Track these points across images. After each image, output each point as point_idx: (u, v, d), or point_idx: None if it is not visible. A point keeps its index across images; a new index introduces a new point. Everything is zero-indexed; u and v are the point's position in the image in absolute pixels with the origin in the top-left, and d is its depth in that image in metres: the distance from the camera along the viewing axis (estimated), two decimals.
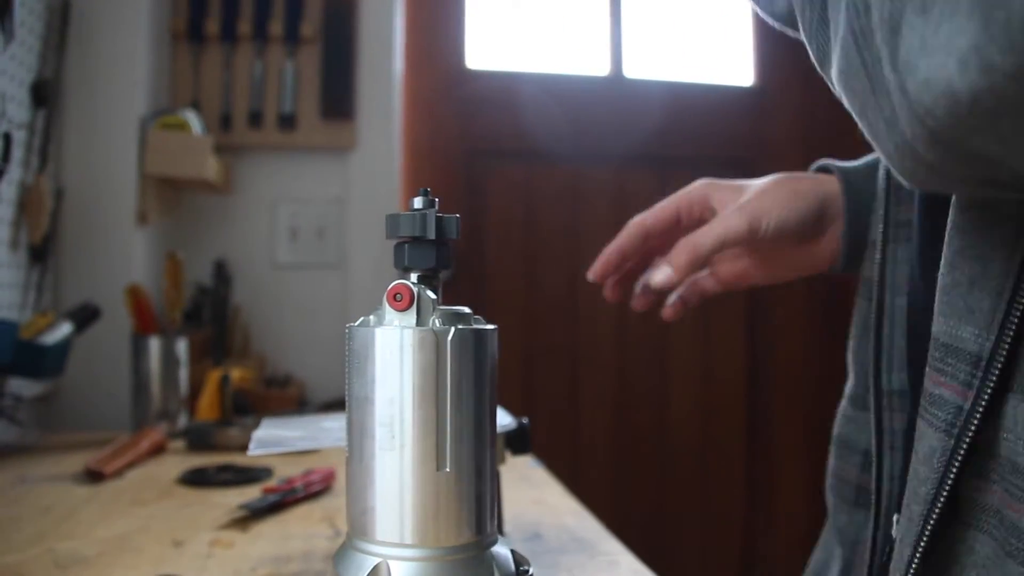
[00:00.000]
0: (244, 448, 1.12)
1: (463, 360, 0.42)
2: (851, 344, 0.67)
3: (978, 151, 0.28)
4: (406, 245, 0.44)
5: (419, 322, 0.42)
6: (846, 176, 0.68)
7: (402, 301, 0.42)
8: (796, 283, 0.75)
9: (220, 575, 0.64)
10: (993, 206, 0.36)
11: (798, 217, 0.65)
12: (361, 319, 0.44)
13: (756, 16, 2.09)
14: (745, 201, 0.66)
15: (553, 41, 2.02)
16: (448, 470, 0.41)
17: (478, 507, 0.43)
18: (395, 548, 0.41)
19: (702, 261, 0.65)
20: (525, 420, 0.65)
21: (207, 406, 1.31)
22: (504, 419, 0.63)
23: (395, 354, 0.41)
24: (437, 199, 0.45)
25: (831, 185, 0.68)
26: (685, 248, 0.65)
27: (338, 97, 1.67)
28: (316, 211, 1.69)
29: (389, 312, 0.42)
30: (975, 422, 0.36)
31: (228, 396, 1.21)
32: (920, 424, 0.40)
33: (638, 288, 0.75)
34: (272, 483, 0.90)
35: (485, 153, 1.92)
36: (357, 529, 0.43)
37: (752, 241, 0.65)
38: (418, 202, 0.45)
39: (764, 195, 0.66)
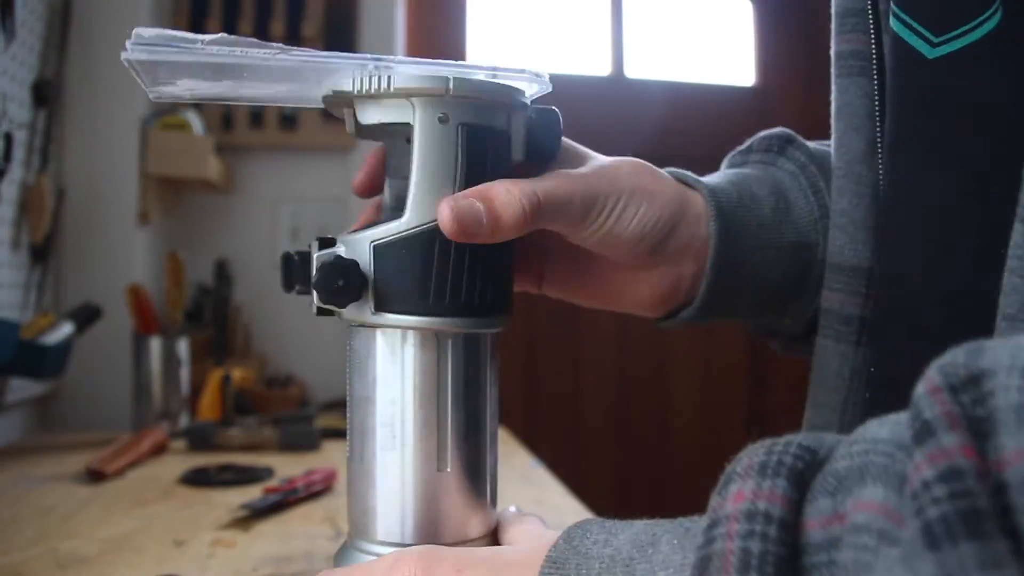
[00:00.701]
0: (246, 448, 1.12)
1: (464, 360, 0.42)
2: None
3: None
4: None
5: None
6: (715, 198, 0.50)
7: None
8: None
9: (221, 575, 0.64)
10: None
11: (651, 220, 0.46)
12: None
13: (757, 15, 2.09)
14: (587, 170, 0.45)
15: (554, 41, 2.02)
16: (448, 470, 0.41)
17: (479, 507, 0.43)
18: (396, 548, 0.41)
19: (496, 235, 0.40)
20: (555, 108, 0.45)
21: (208, 406, 1.31)
22: (529, 80, 0.44)
23: (396, 354, 0.41)
24: None
25: (694, 200, 0.49)
26: (478, 193, 0.40)
27: None
28: (317, 211, 1.68)
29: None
30: None
31: (229, 396, 1.21)
32: None
33: None
34: (273, 483, 0.90)
35: None
36: (358, 529, 0.43)
37: (578, 226, 0.44)
38: None
39: (615, 172, 0.46)
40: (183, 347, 1.29)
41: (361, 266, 0.39)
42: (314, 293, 0.40)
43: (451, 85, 0.38)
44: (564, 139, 0.47)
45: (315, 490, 0.89)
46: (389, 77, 0.38)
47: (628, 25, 2.01)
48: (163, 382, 1.27)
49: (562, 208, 0.42)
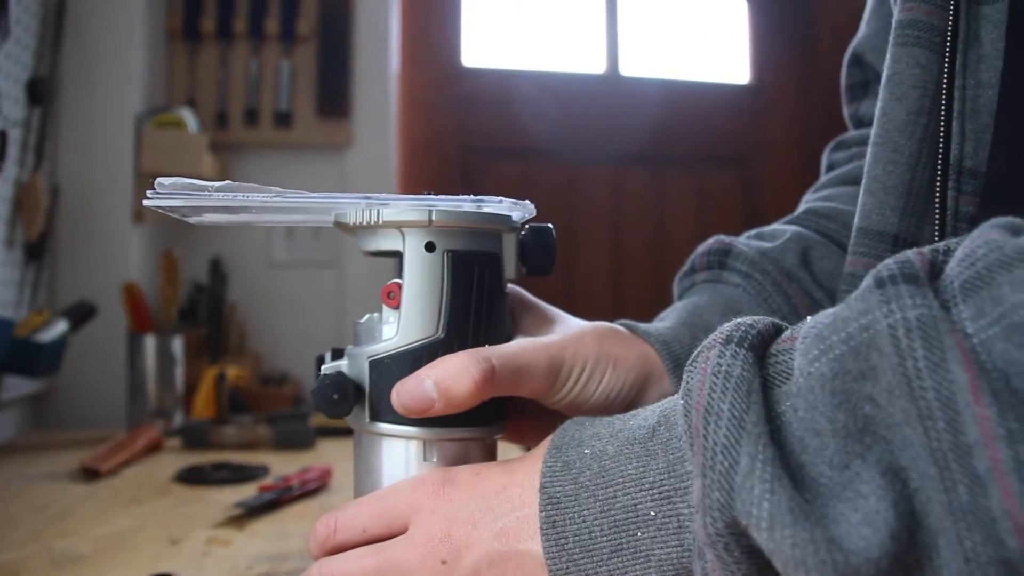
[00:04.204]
0: (241, 446, 1.12)
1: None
2: None
3: None
4: None
5: None
6: (669, 349, 0.50)
7: (395, 299, 0.42)
8: None
9: (217, 573, 0.64)
10: None
11: (616, 386, 0.47)
12: (367, 316, 0.45)
13: (752, 13, 2.09)
14: (553, 338, 0.46)
15: (549, 39, 2.02)
16: (435, 461, 0.43)
17: None
18: None
19: (459, 403, 0.41)
20: (549, 225, 0.48)
21: (203, 404, 1.31)
22: (508, 209, 0.45)
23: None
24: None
25: (656, 357, 0.50)
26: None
27: (334, 95, 1.67)
28: None
29: (387, 309, 0.43)
30: None
31: (224, 394, 1.21)
32: None
33: None
34: (268, 481, 0.90)
35: (481, 151, 1.92)
36: None
37: (544, 393, 0.45)
38: None
39: (580, 340, 0.47)
40: (178, 345, 1.29)
41: (360, 378, 0.43)
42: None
43: (433, 216, 0.42)
44: (535, 300, 0.50)
45: (310, 488, 0.89)
46: (379, 210, 0.42)
47: (623, 23, 2.01)
48: (158, 380, 1.27)
49: (523, 375, 0.43)
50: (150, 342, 1.27)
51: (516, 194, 0.45)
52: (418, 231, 0.42)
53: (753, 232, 0.63)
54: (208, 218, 0.46)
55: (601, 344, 0.47)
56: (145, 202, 0.42)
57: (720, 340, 0.33)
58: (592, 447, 0.38)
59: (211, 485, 0.93)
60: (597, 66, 2.01)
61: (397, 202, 0.42)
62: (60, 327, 1.19)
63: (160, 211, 0.43)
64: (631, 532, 0.35)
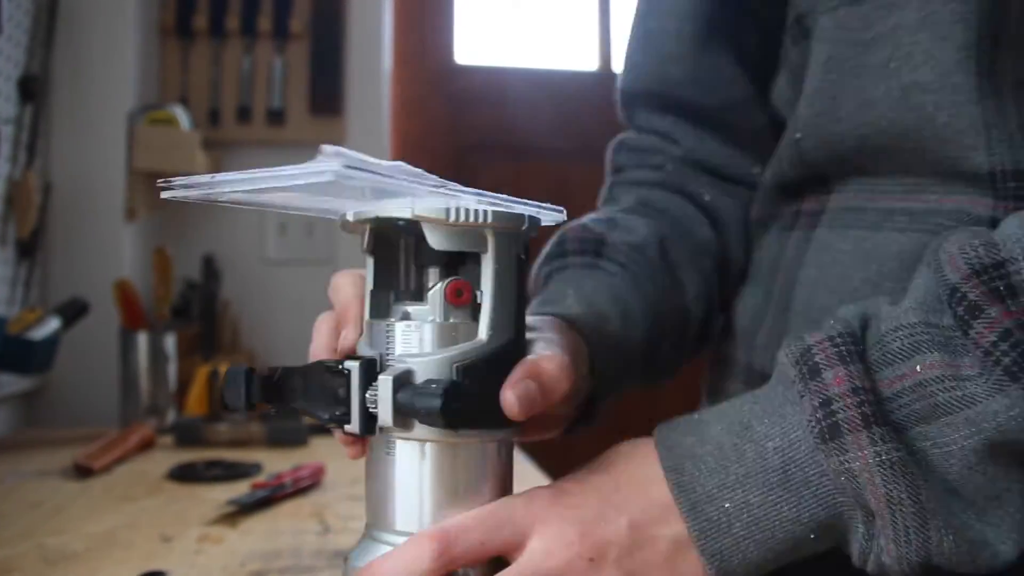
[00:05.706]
0: (233, 444, 1.12)
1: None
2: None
3: None
4: None
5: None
6: (587, 340, 0.52)
7: (464, 296, 0.43)
8: None
9: (209, 570, 0.64)
10: None
11: (580, 378, 0.48)
12: (404, 319, 0.44)
13: None
14: (556, 340, 0.47)
15: (542, 36, 2.02)
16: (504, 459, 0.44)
17: (472, 498, 0.43)
18: (396, 536, 0.42)
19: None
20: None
21: (195, 401, 1.31)
22: (553, 220, 0.46)
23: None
24: None
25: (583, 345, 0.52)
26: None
27: (327, 92, 1.67)
28: None
29: (450, 308, 0.43)
30: None
31: (217, 391, 1.21)
32: None
33: None
34: (261, 479, 0.90)
35: (474, 149, 1.92)
36: (368, 518, 0.45)
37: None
38: None
39: (561, 339, 0.48)
40: (170, 342, 1.29)
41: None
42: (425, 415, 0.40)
43: (527, 223, 0.43)
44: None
45: (303, 486, 0.89)
46: (478, 212, 0.41)
47: (616, 19, 2.01)
48: (150, 377, 1.27)
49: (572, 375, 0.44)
50: (143, 339, 1.27)
51: (510, 192, 0.45)
52: (505, 235, 0.42)
53: (602, 219, 0.64)
54: (232, 196, 0.45)
55: (568, 339, 0.48)
56: (163, 195, 0.43)
57: (859, 422, 0.38)
58: (732, 500, 0.41)
59: (204, 483, 0.93)
60: (590, 63, 2.01)
61: (491, 207, 0.42)
62: (52, 324, 1.19)
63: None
64: (794, 552, 0.42)
